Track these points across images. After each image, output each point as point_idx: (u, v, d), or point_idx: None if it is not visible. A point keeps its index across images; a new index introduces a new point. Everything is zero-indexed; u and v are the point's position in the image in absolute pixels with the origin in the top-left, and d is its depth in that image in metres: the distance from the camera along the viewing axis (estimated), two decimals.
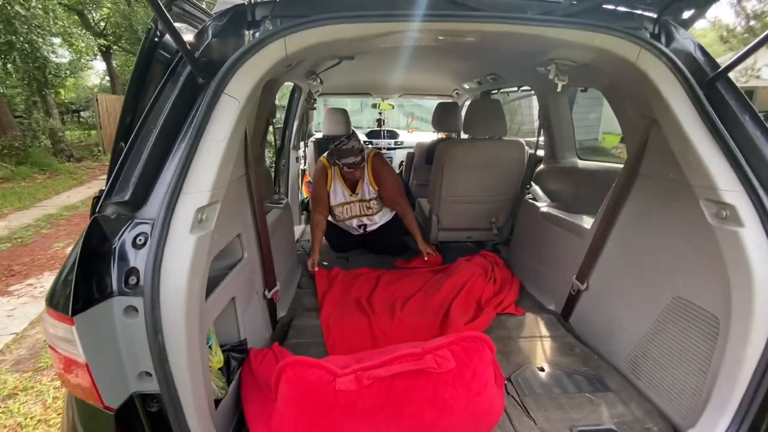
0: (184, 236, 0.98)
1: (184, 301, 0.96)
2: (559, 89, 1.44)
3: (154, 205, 0.99)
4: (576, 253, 1.88)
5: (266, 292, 1.68)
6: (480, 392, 1.05)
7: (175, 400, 0.95)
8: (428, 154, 3.65)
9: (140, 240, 0.95)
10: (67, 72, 10.64)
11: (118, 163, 1.00)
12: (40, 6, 7.66)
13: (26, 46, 7.82)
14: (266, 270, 1.66)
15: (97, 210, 0.98)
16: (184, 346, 0.95)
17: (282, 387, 1.02)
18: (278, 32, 1.12)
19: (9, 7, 7.00)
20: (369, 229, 2.85)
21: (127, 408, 0.94)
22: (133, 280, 0.93)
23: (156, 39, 1.26)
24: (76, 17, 11.28)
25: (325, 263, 2.68)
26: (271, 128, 2.38)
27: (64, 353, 0.88)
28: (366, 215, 2.77)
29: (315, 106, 3.48)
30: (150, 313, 0.91)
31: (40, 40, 7.97)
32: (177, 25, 1.40)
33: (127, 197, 0.97)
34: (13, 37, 7.54)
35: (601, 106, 9.75)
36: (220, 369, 1.34)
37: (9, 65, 8.97)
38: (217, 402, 1.23)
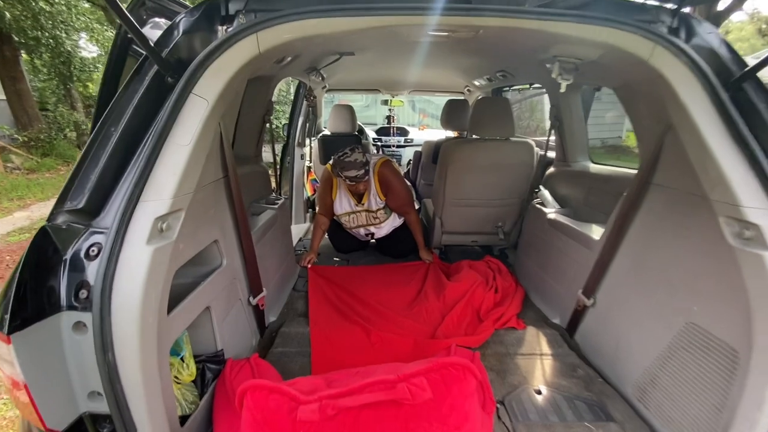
0: (140, 247, 0.91)
1: (137, 316, 0.89)
2: (562, 89, 1.31)
3: (112, 214, 0.93)
4: (583, 265, 1.75)
5: (251, 299, 1.62)
6: (459, 427, 0.95)
7: (128, 422, 0.89)
8: (435, 154, 3.53)
9: (93, 251, 0.89)
10: (92, 66, 10.90)
11: (73, 167, 0.94)
12: (63, 2, 7.85)
13: (51, 41, 8.05)
14: (251, 276, 1.59)
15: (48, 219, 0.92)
16: (137, 364, 0.90)
17: (244, 412, 0.95)
18: (249, 28, 1.04)
19: (34, 3, 7.21)
20: (377, 236, 2.77)
21: (78, 429, 0.89)
22: (83, 293, 0.87)
23: (129, 34, 1.20)
24: (101, 13, 11.55)
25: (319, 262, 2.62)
26: (267, 126, 2.32)
27: (6, 372, 0.83)
28: (373, 224, 2.69)
29: (314, 102, 3.40)
30: (98, 329, 0.85)
31: (64, 35, 8.18)
32: (156, 19, 1.35)
33: (81, 205, 0.92)
34: (39, 33, 7.77)
35: None
36: (193, 381, 1.29)
37: (37, 60, 9.27)
38: (187, 418, 1.18)
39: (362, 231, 2.73)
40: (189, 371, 1.24)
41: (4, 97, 9.04)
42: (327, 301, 2.09)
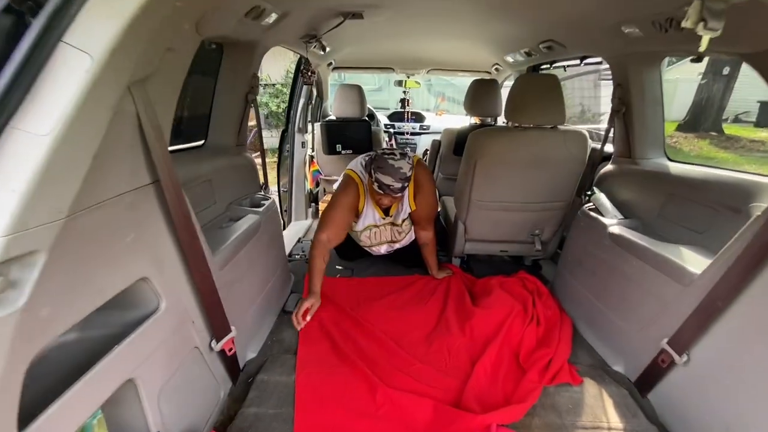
0: None
1: None
2: (703, 47, 0.80)
3: None
4: (670, 305, 1.27)
5: (213, 344, 1.20)
6: None
7: None
8: (457, 143, 3.04)
9: None
10: None
11: None
12: None
13: None
14: (212, 315, 1.16)
15: None
16: None
17: None
18: None
19: None
20: (397, 249, 2.27)
21: None
22: None
23: None
24: None
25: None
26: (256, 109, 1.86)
27: None
28: (396, 240, 2.18)
29: (316, 79, 2.91)
30: None
31: None
32: None
33: None
34: None
35: None
36: None
37: None
38: None
39: (384, 248, 2.21)
40: None
41: None
42: (322, 333, 1.65)
